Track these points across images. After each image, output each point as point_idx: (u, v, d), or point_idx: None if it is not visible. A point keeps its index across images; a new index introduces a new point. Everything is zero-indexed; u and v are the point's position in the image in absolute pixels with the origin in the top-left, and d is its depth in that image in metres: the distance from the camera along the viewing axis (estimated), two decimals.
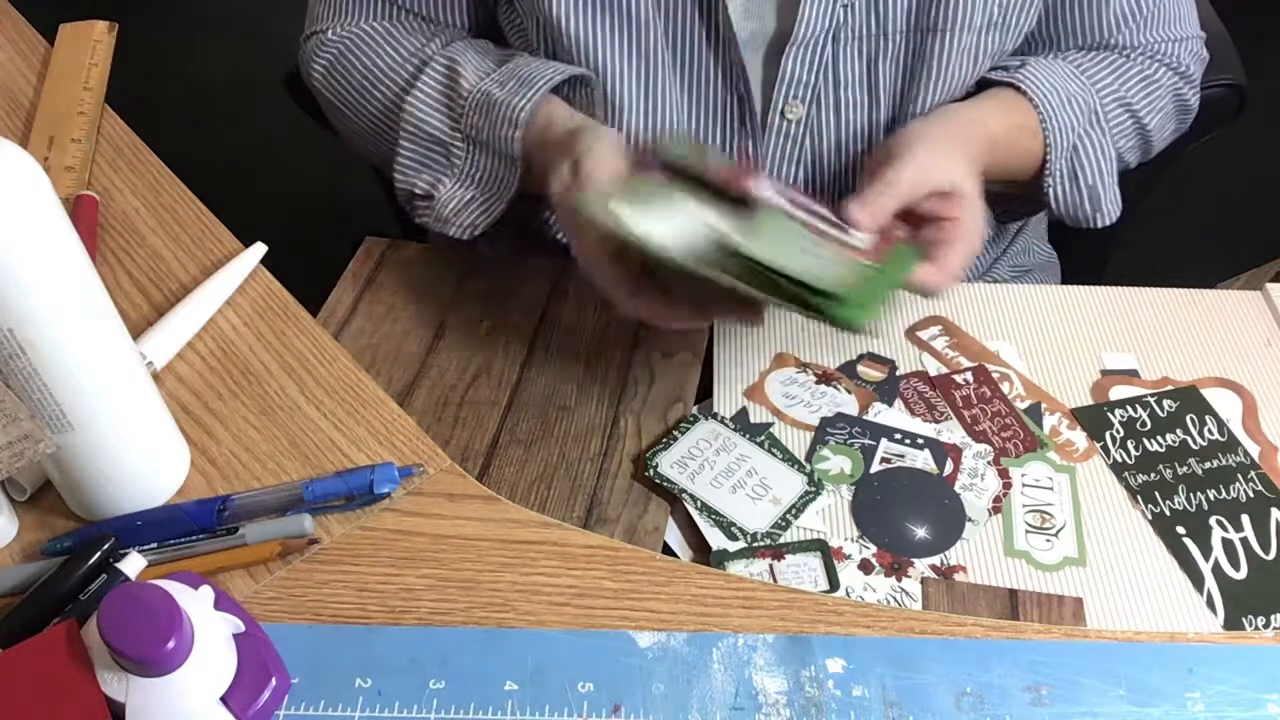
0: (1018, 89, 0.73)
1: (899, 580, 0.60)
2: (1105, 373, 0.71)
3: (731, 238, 0.57)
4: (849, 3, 0.70)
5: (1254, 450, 0.66)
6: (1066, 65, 0.76)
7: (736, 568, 0.60)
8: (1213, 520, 0.63)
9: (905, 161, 0.64)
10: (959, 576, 0.61)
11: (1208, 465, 0.66)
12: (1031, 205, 0.82)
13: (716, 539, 0.62)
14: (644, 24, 0.71)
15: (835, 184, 0.78)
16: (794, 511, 0.63)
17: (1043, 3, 0.75)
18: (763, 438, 0.66)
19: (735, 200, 0.60)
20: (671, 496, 0.64)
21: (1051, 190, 0.76)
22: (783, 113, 0.74)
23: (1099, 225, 0.78)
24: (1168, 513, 0.63)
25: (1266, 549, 0.62)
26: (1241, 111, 0.92)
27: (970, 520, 0.63)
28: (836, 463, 0.66)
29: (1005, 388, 0.70)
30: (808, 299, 0.57)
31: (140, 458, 0.56)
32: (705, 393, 0.70)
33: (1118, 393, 0.70)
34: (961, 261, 0.64)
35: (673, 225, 0.58)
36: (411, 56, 0.77)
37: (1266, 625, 0.59)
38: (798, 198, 0.62)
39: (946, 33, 0.72)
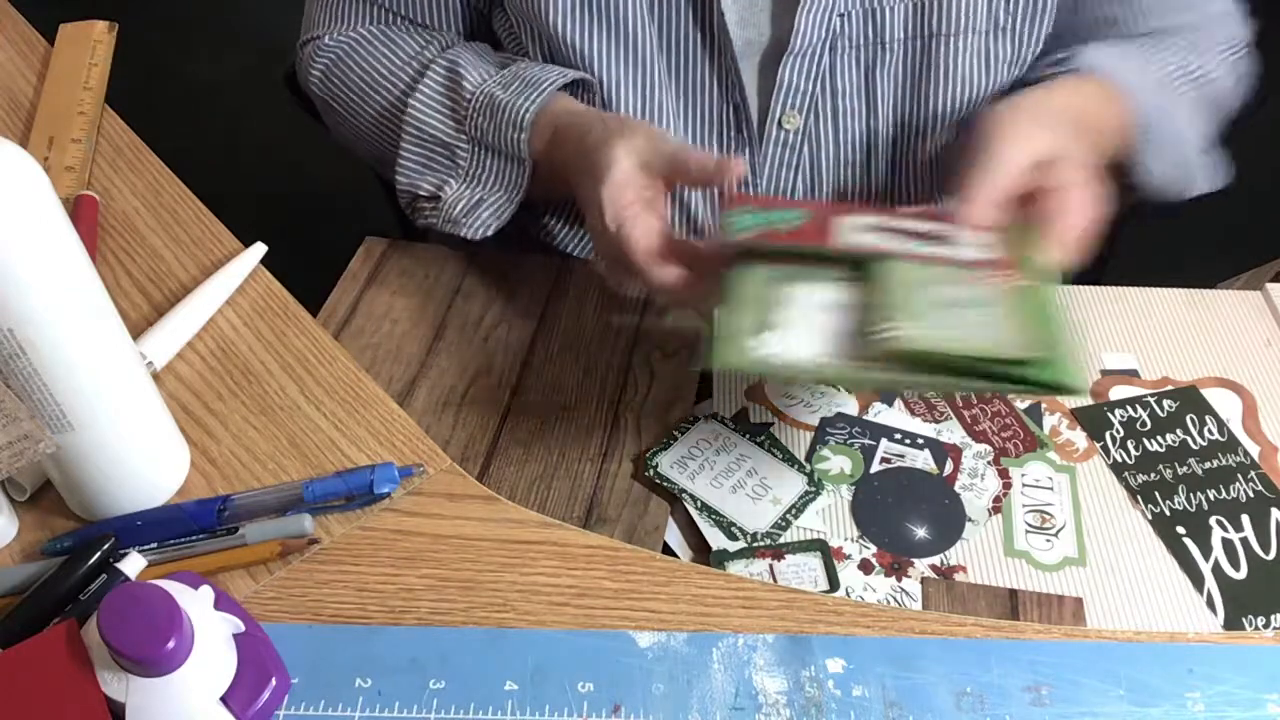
0: (1079, 72, 0.71)
1: (899, 580, 0.60)
2: (1105, 373, 0.71)
3: (886, 332, 0.51)
4: (845, 13, 0.70)
5: (1254, 450, 0.66)
6: (1119, 44, 0.75)
7: (736, 568, 0.60)
8: (1213, 520, 0.63)
9: (996, 142, 0.60)
10: (959, 576, 0.61)
11: (1208, 465, 0.66)
12: (1125, 185, 0.78)
13: (716, 539, 0.62)
14: (639, 33, 0.71)
15: (835, 193, 0.78)
16: (794, 511, 0.63)
17: (1059, 8, 0.74)
18: (763, 438, 0.66)
19: (830, 260, 0.56)
20: (671, 496, 0.64)
21: (1146, 161, 0.73)
22: (780, 122, 0.74)
23: (1193, 195, 0.77)
24: (1168, 513, 0.63)
25: (1266, 549, 0.62)
26: (1242, 114, 0.92)
27: (970, 520, 0.63)
28: (836, 463, 0.66)
29: None
30: (993, 370, 0.51)
31: (140, 458, 0.56)
32: (705, 393, 0.70)
33: (1118, 393, 0.70)
34: (1077, 231, 0.59)
35: (807, 335, 0.52)
36: (411, 60, 0.77)
37: (1266, 625, 0.59)
38: (878, 219, 0.58)
39: (951, 37, 0.71)
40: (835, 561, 0.61)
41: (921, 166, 0.78)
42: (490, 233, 0.73)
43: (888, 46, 0.72)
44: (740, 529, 0.62)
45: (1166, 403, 0.69)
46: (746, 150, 0.76)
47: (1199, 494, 0.64)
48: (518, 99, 0.70)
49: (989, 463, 0.66)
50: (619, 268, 0.63)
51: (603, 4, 0.71)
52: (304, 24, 0.83)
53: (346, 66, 0.79)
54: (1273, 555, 0.61)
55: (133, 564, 0.53)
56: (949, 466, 0.66)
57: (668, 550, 0.62)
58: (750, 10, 0.72)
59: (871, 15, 0.70)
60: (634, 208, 0.62)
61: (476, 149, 0.73)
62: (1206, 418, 0.68)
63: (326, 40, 0.80)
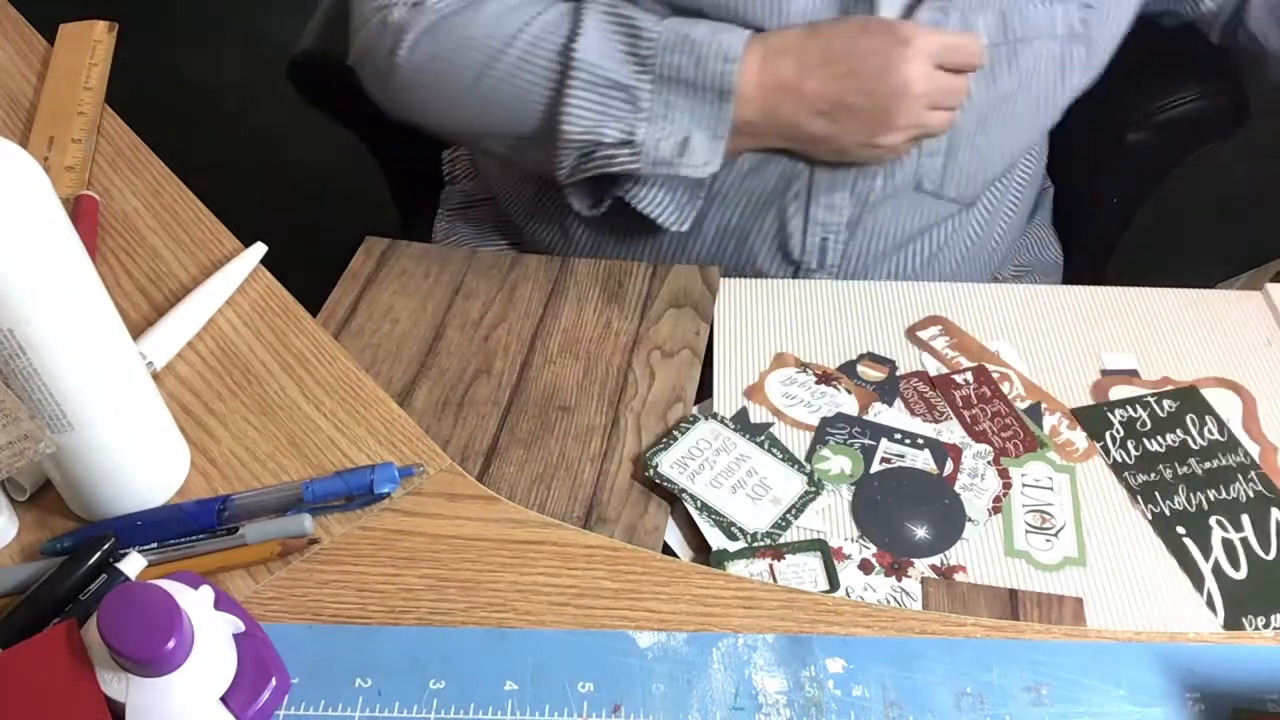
0: None
1: (899, 580, 0.60)
2: (1105, 373, 0.71)
3: None
4: (942, 21, 0.73)
5: (1254, 450, 0.66)
6: None
7: (736, 568, 0.60)
8: (1213, 520, 0.63)
9: None
10: (959, 576, 0.61)
11: (1208, 465, 0.66)
12: None
13: (716, 539, 0.62)
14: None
15: (913, 182, 0.80)
16: (794, 511, 0.63)
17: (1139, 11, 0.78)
18: (763, 438, 0.66)
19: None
20: (671, 496, 0.64)
21: None
22: None
23: None
24: (1168, 513, 0.63)
25: (1266, 549, 0.62)
26: (1242, 123, 0.93)
27: (970, 520, 0.63)
28: (836, 463, 0.66)
29: (1005, 388, 0.70)
30: None
31: (140, 458, 0.56)
32: (705, 393, 0.70)
33: (1118, 393, 0.70)
34: None
35: None
36: (551, 6, 0.74)
37: (1266, 625, 0.59)
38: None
39: (1029, 42, 0.75)
40: (835, 561, 0.61)
41: (997, 165, 0.82)
42: (716, 167, 0.73)
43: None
44: (740, 529, 0.62)
45: (1166, 403, 0.69)
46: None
47: (1199, 494, 0.64)
48: (720, 35, 0.70)
49: (989, 463, 0.66)
50: (941, 94, 0.71)
51: None
52: None
53: (462, 26, 0.75)
54: (1273, 555, 0.61)
55: (133, 564, 0.53)
56: (949, 466, 0.66)
57: (668, 550, 0.62)
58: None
59: (964, 22, 0.73)
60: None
61: (662, 88, 0.72)
62: (1206, 418, 0.68)
63: (428, 3, 0.75)
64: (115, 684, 0.45)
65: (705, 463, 0.65)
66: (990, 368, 0.71)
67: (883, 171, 0.78)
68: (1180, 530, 0.63)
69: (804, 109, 0.72)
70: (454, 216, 0.99)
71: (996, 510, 0.64)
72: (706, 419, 0.68)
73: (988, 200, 0.86)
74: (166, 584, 0.46)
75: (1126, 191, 0.89)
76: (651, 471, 0.64)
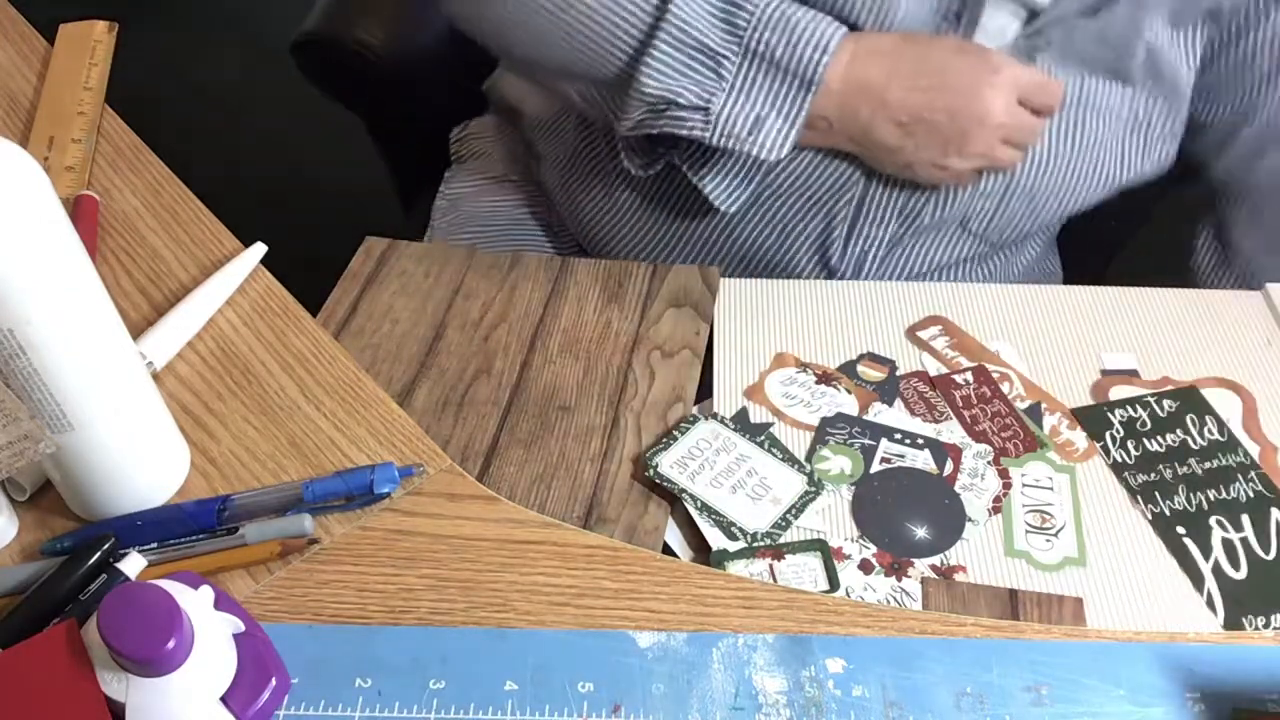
0: None
1: (899, 580, 0.60)
2: (1105, 373, 0.71)
3: None
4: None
5: (1254, 450, 0.66)
6: None
7: (736, 568, 0.60)
8: (1213, 520, 0.63)
9: None
10: (959, 576, 0.61)
11: (1208, 465, 0.66)
12: None
13: (716, 539, 0.62)
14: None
15: (986, 222, 0.82)
16: (794, 511, 0.63)
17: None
18: (763, 438, 0.66)
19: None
20: (671, 496, 0.64)
21: None
22: None
23: None
24: (1168, 513, 0.63)
25: (1266, 549, 0.62)
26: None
27: (970, 520, 0.63)
28: (836, 463, 0.66)
29: (1005, 388, 0.70)
30: None
31: (140, 458, 0.56)
32: (705, 393, 0.70)
33: (1118, 393, 0.70)
34: None
35: None
36: None
37: (1266, 625, 0.59)
38: None
39: (1102, 112, 0.77)
40: (835, 561, 0.61)
41: (1042, 220, 0.83)
42: (783, 152, 0.72)
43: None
44: (740, 529, 0.62)
45: (1166, 403, 0.69)
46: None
47: (1199, 494, 0.64)
48: (819, 24, 0.70)
49: (989, 463, 0.66)
50: (1020, 130, 0.73)
51: None
52: None
53: None
54: (1273, 555, 0.61)
55: (133, 564, 0.53)
56: (949, 466, 0.66)
57: (668, 550, 0.62)
58: None
59: (1047, 75, 0.75)
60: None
61: (748, 62, 0.71)
62: (1206, 418, 0.68)
63: None
64: (115, 684, 0.45)
65: (705, 463, 0.65)
66: (990, 368, 0.71)
67: (934, 200, 0.79)
68: (1180, 530, 0.63)
69: (882, 115, 0.72)
70: (455, 198, 0.99)
71: (996, 510, 0.64)
72: (706, 419, 0.68)
73: (1021, 245, 0.87)
74: (166, 584, 0.46)
75: (1125, 213, 0.89)
76: (651, 471, 0.64)
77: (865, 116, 0.73)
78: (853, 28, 0.73)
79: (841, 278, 0.83)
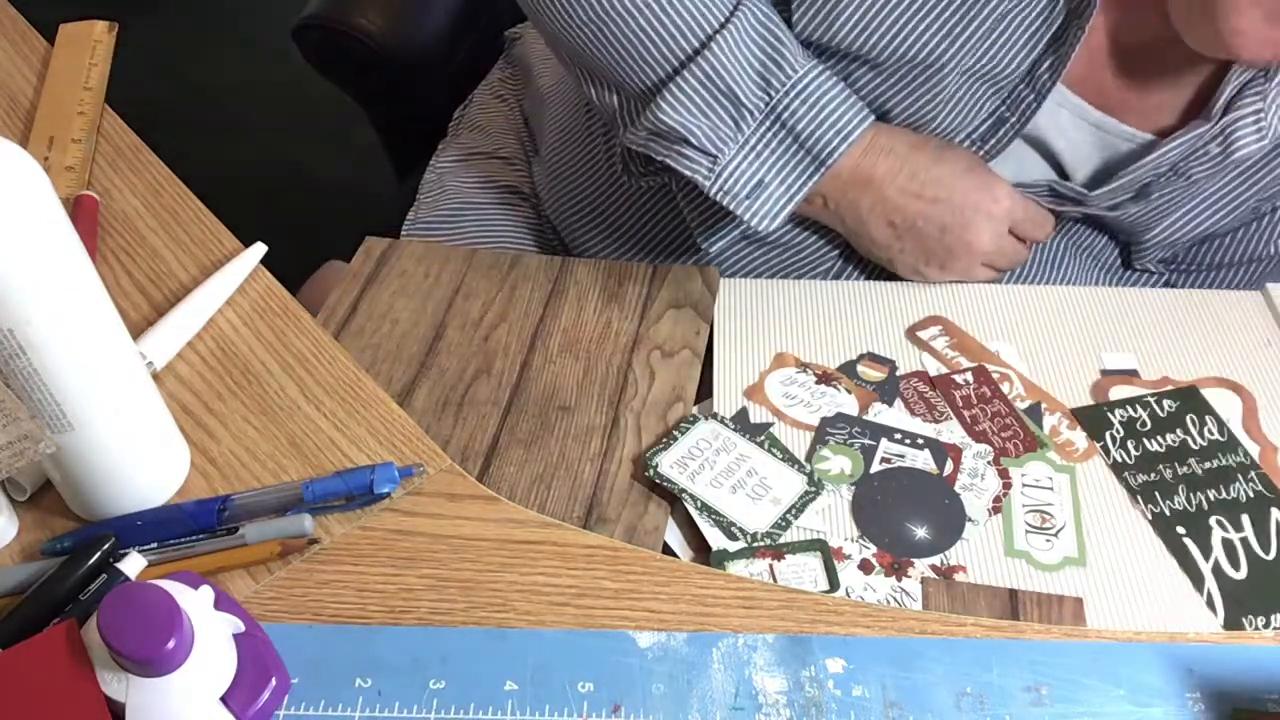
0: None
1: (899, 580, 0.60)
2: (1105, 373, 0.71)
3: None
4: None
5: (1254, 450, 0.66)
6: None
7: (736, 568, 0.60)
8: (1213, 520, 0.63)
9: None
10: (959, 576, 0.61)
11: (1208, 465, 0.66)
12: None
13: (716, 539, 0.62)
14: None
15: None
16: (794, 511, 0.63)
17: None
18: (763, 438, 0.66)
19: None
20: (671, 496, 0.64)
21: None
22: None
23: None
24: (1168, 513, 0.63)
25: (1266, 549, 0.62)
26: None
27: (970, 520, 0.63)
28: (836, 463, 0.66)
29: (1005, 388, 0.70)
30: None
31: (140, 458, 0.56)
32: (705, 393, 0.70)
33: (1118, 393, 0.70)
34: None
35: None
36: None
37: (1266, 625, 0.59)
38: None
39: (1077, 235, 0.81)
40: (835, 561, 0.61)
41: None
42: (774, 225, 0.71)
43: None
44: (740, 529, 0.62)
45: (1166, 403, 0.69)
46: None
47: (1199, 494, 0.64)
48: (849, 110, 0.70)
49: (989, 463, 0.66)
50: (1010, 252, 0.76)
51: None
52: None
53: None
54: (1273, 555, 0.61)
55: (133, 564, 0.53)
56: (949, 466, 0.66)
57: (668, 550, 0.62)
58: None
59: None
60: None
61: (769, 124, 0.70)
62: (1206, 418, 0.68)
63: None
64: (115, 684, 0.45)
65: (705, 463, 0.65)
66: (990, 368, 0.71)
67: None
68: (1180, 530, 0.63)
69: (879, 210, 0.73)
70: (444, 171, 0.98)
71: (996, 510, 0.64)
72: (706, 419, 0.68)
73: None
74: (166, 584, 0.46)
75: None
76: (651, 471, 0.64)
77: (864, 208, 0.74)
78: (882, 117, 0.73)
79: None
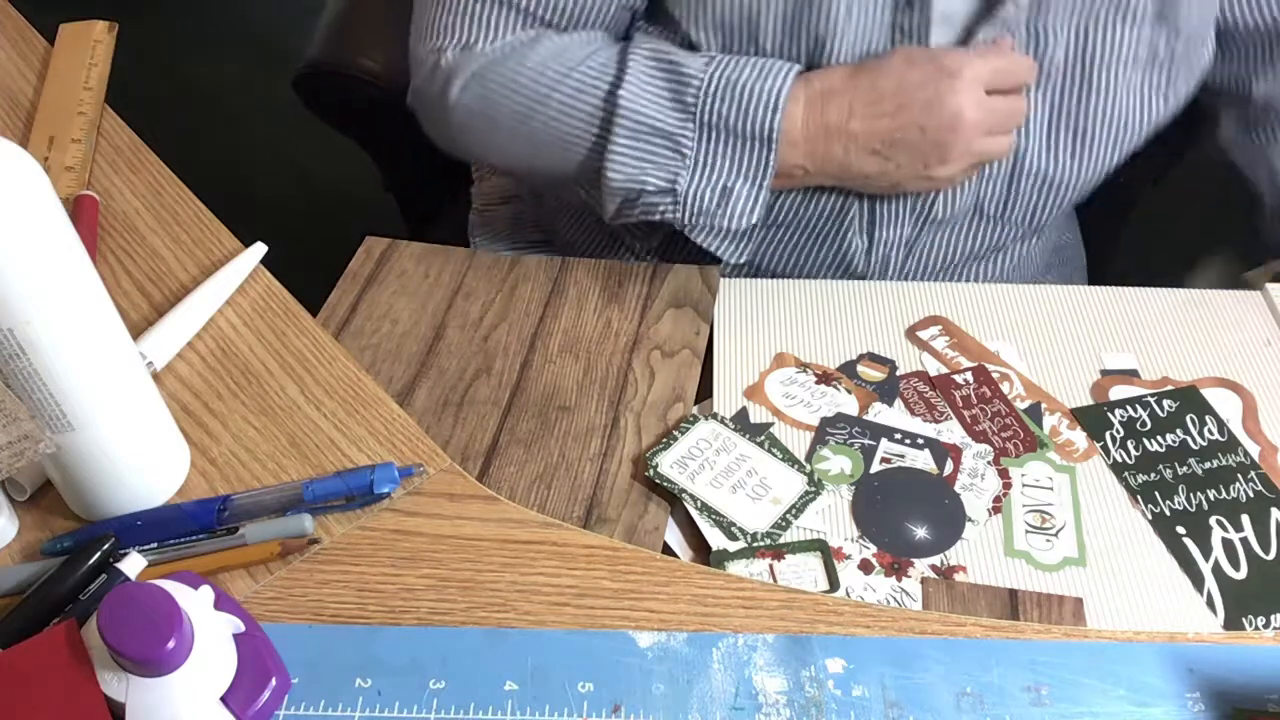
0: None
1: (899, 580, 0.60)
2: (1105, 373, 0.71)
3: None
4: (1012, 31, 0.72)
5: (1254, 450, 0.66)
6: None
7: (736, 568, 0.60)
8: (1213, 520, 0.63)
9: None
10: (959, 576, 0.61)
11: (1208, 465, 0.66)
12: None
13: (716, 539, 0.62)
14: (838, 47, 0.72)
15: (975, 208, 0.80)
16: (794, 511, 0.63)
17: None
18: (763, 438, 0.66)
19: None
20: (671, 496, 0.64)
21: None
22: None
23: None
24: (1168, 513, 0.63)
25: (1266, 549, 0.62)
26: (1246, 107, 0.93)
27: (970, 520, 0.63)
28: (836, 463, 0.66)
29: (1005, 388, 0.70)
30: None
31: (140, 458, 0.56)
32: (705, 393, 0.70)
33: (1118, 393, 0.70)
34: None
35: None
36: (595, 53, 0.73)
37: (1266, 625, 0.59)
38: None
39: (1108, 67, 0.74)
40: (835, 561, 0.61)
41: (1065, 192, 0.80)
42: (754, 219, 0.72)
43: (1045, 70, 0.74)
44: (740, 529, 0.62)
45: (1166, 403, 0.69)
46: None
47: (1199, 494, 0.64)
48: (766, 80, 0.70)
49: (989, 463, 0.66)
50: (997, 121, 0.71)
51: (810, 20, 0.71)
52: (428, 31, 0.77)
53: (510, 70, 0.74)
54: (1273, 555, 0.61)
55: (133, 564, 0.53)
56: (949, 466, 0.66)
57: (668, 550, 0.62)
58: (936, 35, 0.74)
59: (1036, 37, 0.73)
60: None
61: (706, 136, 0.71)
62: (1206, 418, 0.68)
63: (479, 47, 0.74)
64: (115, 684, 0.45)
65: (705, 463, 0.65)
66: (990, 368, 0.71)
67: (943, 196, 0.78)
68: (1180, 530, 0.63)
69: (855, 149, 0.72)
70: (486, 213, 0.99)
71: (996, 510, 0.64)
72: (706, 419, 0.68)
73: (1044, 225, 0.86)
74: (166, 584, 0.46)
75: (1137, 173, 0.89)
76: (651, 471, 0.64)
77: (839, 155, 0.72)
78: (813, 62, 0.73)
79: (870, 281, 0.82)
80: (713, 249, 0.75)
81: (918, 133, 0.71)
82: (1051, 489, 0.65)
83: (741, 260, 0.77)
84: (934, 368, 0.72)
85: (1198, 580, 0.60)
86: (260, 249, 0.71)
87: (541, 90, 0.73)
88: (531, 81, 0.73)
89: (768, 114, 0.70)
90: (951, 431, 0.68)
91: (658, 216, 0.73)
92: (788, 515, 0.63)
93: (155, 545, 0.56)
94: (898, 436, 0.67)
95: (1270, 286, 0.77)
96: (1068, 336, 0.74)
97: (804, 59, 0.73)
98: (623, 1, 0.75)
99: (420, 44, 0.78)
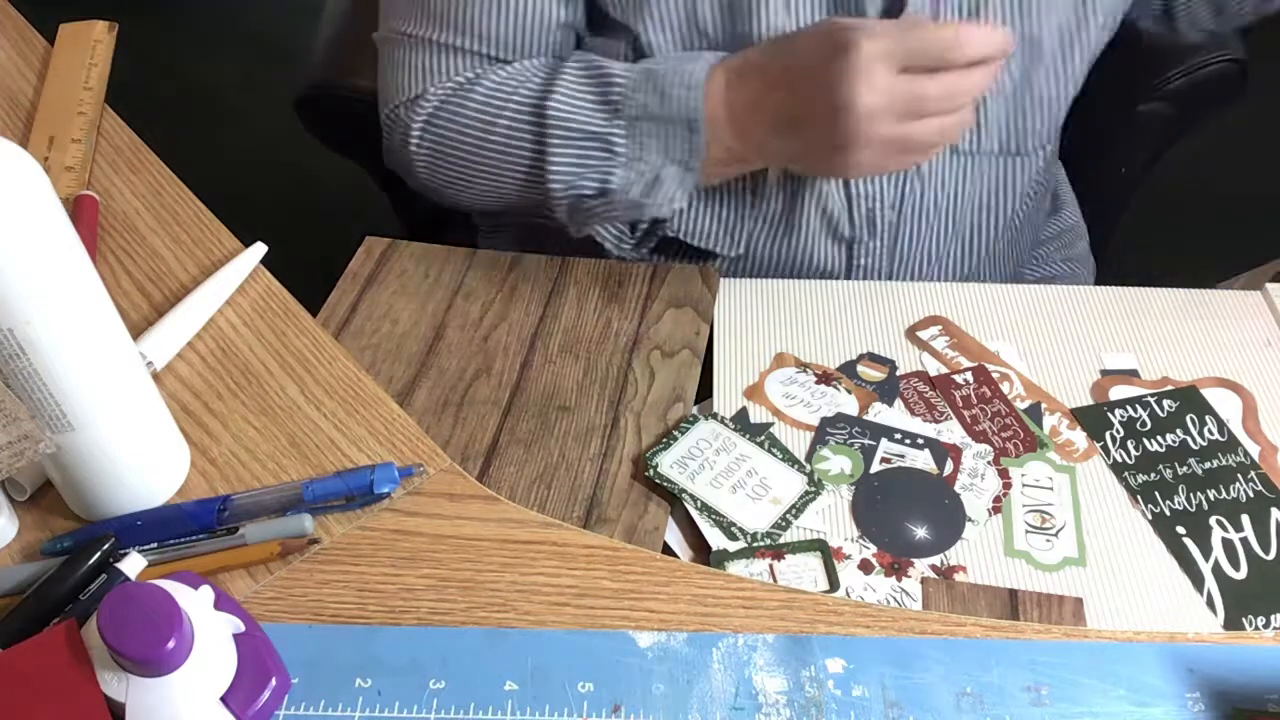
0: None
1: (899, 580, 0.60)
2: (1105, 373, 0.71)
3: None
4: None
5: (1254, 450, 0.66)
6: None
7: (736, 568, 0.60)
8: (1213, 520, 0.63)
9: None
10: (959, 576, 0.61)
11: (1208, 465, 0.66)
12: None
13: (716, 539, 0.62)
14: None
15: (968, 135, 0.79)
16: (794, 511, 0.63)
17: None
18: (763, 438, 0.66)
19: None
20: (671, 496, 0.64)
21: None
22: None
23: None
24: (1168, 513, 0.63)
25: (1266, 549, 0.62)
26: (1242, 89, 0.93)
27: (970, 520, 0.63)
28: (836, 463, 0.66)
29: (1005, 388, 0.70)
30: None
31: (140, 458, 0.56)
32: (705, 393, 0.70)
33: (1118, 393, 0.70)
34: None
35: None
36: (534, 74, 0.74)
37: (1266, 625, 0.59)
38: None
39: (1042, 17, 0.73)
40: (835, 561, 0.61)
41: (1037, 113, 0.79)
42: (680, 204, 0.72)
43: (983, 17, 0.73)
44: (740, 529, 0.62)
45: (1166, 403, 0.69)
46: None
47: (1199, 494, 0.64)
48: (685, 64, 0.70)
49: (989, 463, 0.66)
50: (902, 111, 0.63)
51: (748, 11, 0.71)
52: (384, 95, 0.79)
53: (456, 104, 0.75)
54: (1273, 555, 0.61)
55: (133, 564, 0.53)
56: (949, 466, 0.66)
57: (668, 550, 0.62)
58: None
59: None
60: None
61: (635, 131, 0.71)
62: (1206, 418, 0.68)
63: (428, 93, 0.76)
64: (115, 684, 0.45)
65: (705, 463, 0.65)
66: (990, 368, 0.71)
67: None
68: (1180, 530, 0.63)
69: (766, 128, 0.69)
70: (491, 236, 0.99)
71: (996, 510, 0.64)
72: (706, 419, 0.68)
73: (1039, 151, 0.83)
74: (166, 584, 0.46)
75: (1136, 159, 0.89)
76: (651, 471, 0.64)
77: (756, 130, 0.69)
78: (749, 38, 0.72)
79: (862, 241, 0.82)
80: (705, 243, 0.75)
81: (808, 106, 0.66)
82: (1051, 489, 0.65)
83: (735, 252, 0.77)
84: (934, 368, 0.72)
85: (1198, 580, 0.60)
86: (260, 249, 0.71)
87: (487, 120, 0.74)
88: (478, 114, 0.75)
89: (686, 93, 0.69)
90: (951, 431, 0.68)
91: (605, 219, 0.74)
92: (788, 515, 0.63)
93: (155, 545, 0.56)
94: (898, 436, 0.67)
95: (1270, 286, 0.77)
96: (1068, 336, 0.74)
97: (752, 44, 0.72)
98: (560, 20, 0.76)
99: (383, 109, 0.80)
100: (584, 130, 0.71)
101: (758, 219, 0.81)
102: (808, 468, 0.65)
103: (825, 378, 0.71)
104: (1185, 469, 0.65)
